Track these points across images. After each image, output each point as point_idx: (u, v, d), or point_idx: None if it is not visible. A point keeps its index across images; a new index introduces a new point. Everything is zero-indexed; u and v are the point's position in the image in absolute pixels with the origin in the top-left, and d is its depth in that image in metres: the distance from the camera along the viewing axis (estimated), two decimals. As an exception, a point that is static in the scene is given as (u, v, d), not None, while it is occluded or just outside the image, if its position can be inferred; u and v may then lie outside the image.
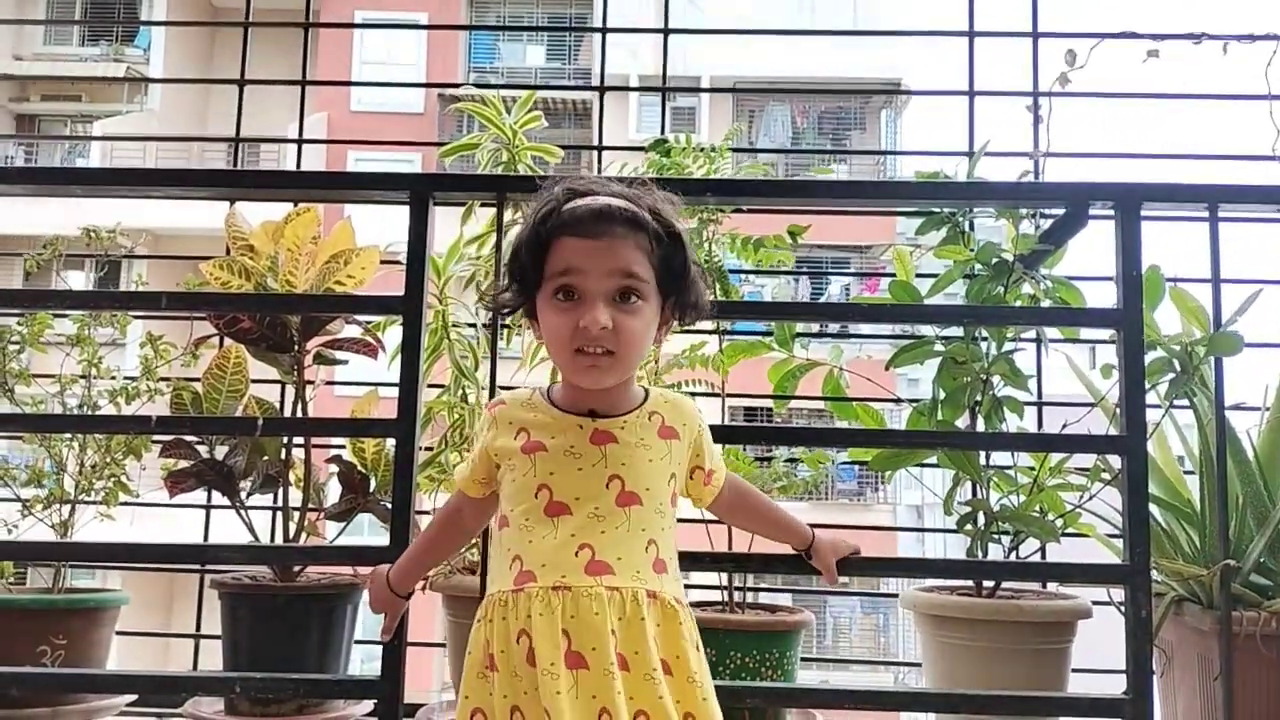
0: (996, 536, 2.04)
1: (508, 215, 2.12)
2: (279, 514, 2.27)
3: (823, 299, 15.24)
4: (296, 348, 2.20)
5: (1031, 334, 2.31)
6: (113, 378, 2.37)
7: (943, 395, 2.09)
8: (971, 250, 2.10)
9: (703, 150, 2.30)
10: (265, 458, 2.23)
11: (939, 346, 2.08)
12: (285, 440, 2.24)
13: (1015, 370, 2.04)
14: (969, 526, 2.04)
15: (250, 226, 2.23)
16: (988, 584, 2.06)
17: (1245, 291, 2.11)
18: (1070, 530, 2.07)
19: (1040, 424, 2.59)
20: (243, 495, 2.23)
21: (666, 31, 3.01)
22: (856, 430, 2.17)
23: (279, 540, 2.25)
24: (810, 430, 2.19)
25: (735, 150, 2.41)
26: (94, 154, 17.67)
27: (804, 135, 19.37)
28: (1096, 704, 1.81)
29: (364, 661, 2.80)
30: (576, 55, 20.06)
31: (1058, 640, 1.93)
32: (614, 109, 17.37)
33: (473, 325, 2.35)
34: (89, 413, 2.33)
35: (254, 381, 2.28)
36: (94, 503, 2.31)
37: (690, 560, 1.79)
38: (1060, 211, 2.04)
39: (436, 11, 17.14)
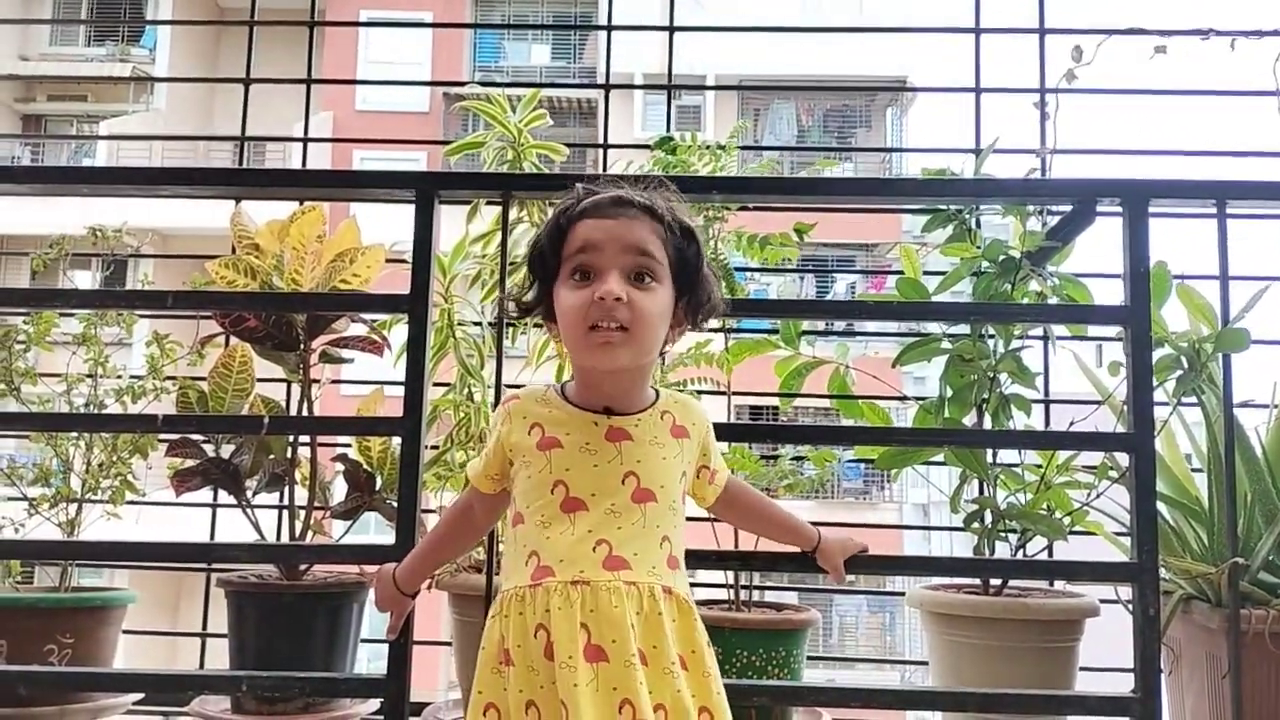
0: (1003, 534, 2.04)
1: (513, 213, 2.12)
2: (285, 513, 2.27)
3: (828, 297, 15.23)
4: (302, 346, 2.20)
5: (1038, 331, 2.31)
6: (119, 377, 2.37)
7: (949, 393, 2.08)
8: (978, 247, 2.09)
9: (708, 148, 2.30)
10: (271, 456, 2.24)
11: (946, 344, 2.08)
12: (291, 439, 2.24)
13: (1022, 368, 2.03)
14: (976, 524, 2.03)
15: (256, 225, 2.24)
16: (995, 582, 2.06)
17: (1253, 288, 2.10)
18: (1077, 528, 2.06)
19: (1047, 422, 2.58)
20: (249, 494, 2.23)
21: (671, 29, 3.01)
22: (862, 428, 2.17)
23: (285, 539, 2.25)
24: (816, 428, 2.19)
25: (741, 148, 2.41)
26: (100, 153, 17.71)
27: (809, 133, 19.36)
28: (1104, 702, 1.81)
29: (370, 660, 2.80)
30: (581, 54, 20.07)
31: (1065, 638, 1.93)
32: (619, 107, 17.36)
33: (478, 323, 2.35)
34: (95, 412, 2.33)
35: (260, 380, 2.29)
36: (100, 501, 2.32)
37: (696, 559, 1.79)
38: (1067, 208, 2.04)
39: (441, 10, 17.17)
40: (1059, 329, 2.30)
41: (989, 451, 2.08)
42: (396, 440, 2.06)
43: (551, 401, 1.45)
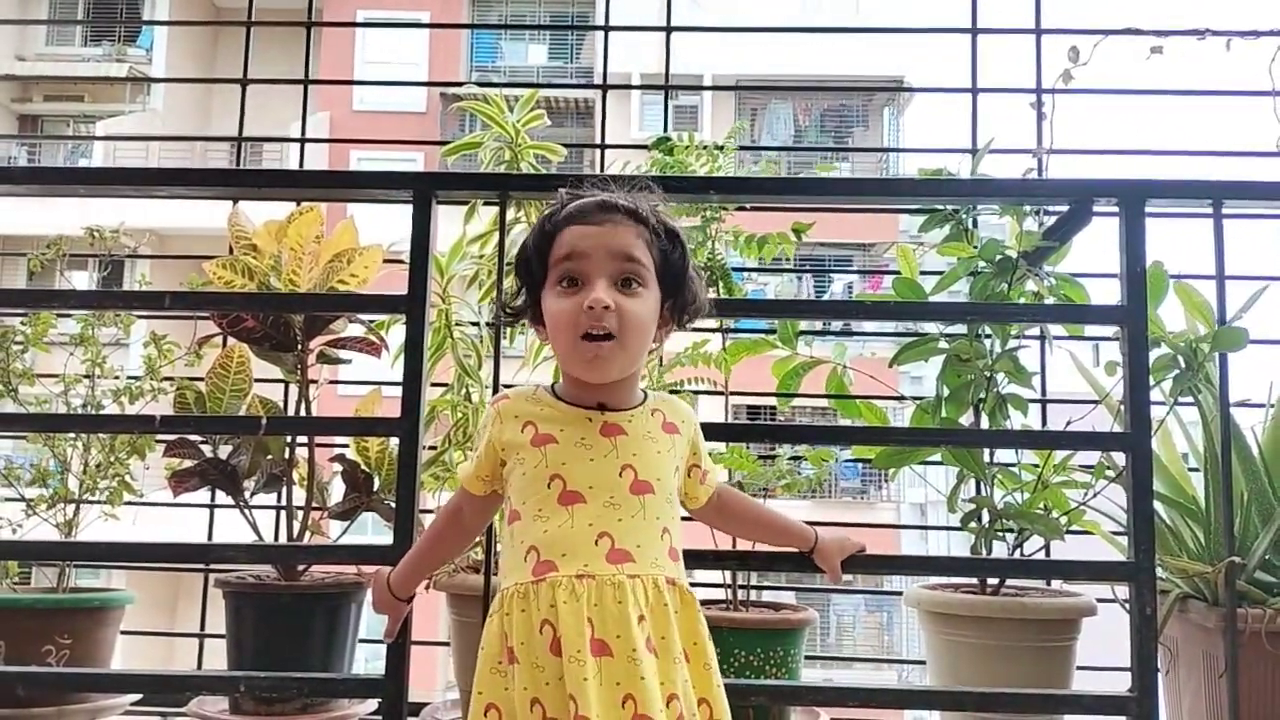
0: (1001, 534, 2.04)
1: (510, 214, 2.12)
2: (283, 513, 2.27)
3: (826, 297, 15.22)
4: (300, 347, 2.20)
5: (1035, 331, 2.31)
6: (116, 377, 2.37)
7: (946, 392, 2.08)
8: (975, 247, 2.09)
9: (705, 148, 2.30)
10: (269, 457, 2.24)
11: (943, 344, 2.08)
12: (289, 439, 2.24)
13: (1019, 367, 2.04)
14: (973, 524, 2.04)
15: (253, 226, 2.24)
16: (992, 581, 2.06)
17: (1250, 288, 2.11)
18: (1074, 527, 2.07)
19: (1044, 421, 2.59)
20: (246, 494, 2.23)
21: (669, 29, 3.01)
22: (860, 428, 2.17)
23: (283, 539, 2.25)
24: (814, 428, 2.20)
25: (739, 148, 2.41)
26: (97, 154, 17.70)
27: (806, 133, 19.36)
28: (1101, 701, 1.81)
29: (368, 661, 2.80)
30: (578, 54, 20.06)
31: (1062, 638, 1.93)
32: (616, 108, 17.38)
33: (476, 324, 2.35)
34: (93, 412, 2.33)
35: (257, 381, 2.29)
36: (98, 502, 2.32)
37: (693, 558, 1.79)
38: (1064, 208, 2.04)
39: (439, 11, 17.14)
40: (1056, 329, 2.31)
41: (986, 451, 2.08)
42: (394, 440, 2.06)
43: (543, 400, 1.45)
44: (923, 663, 2.14)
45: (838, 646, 17.50)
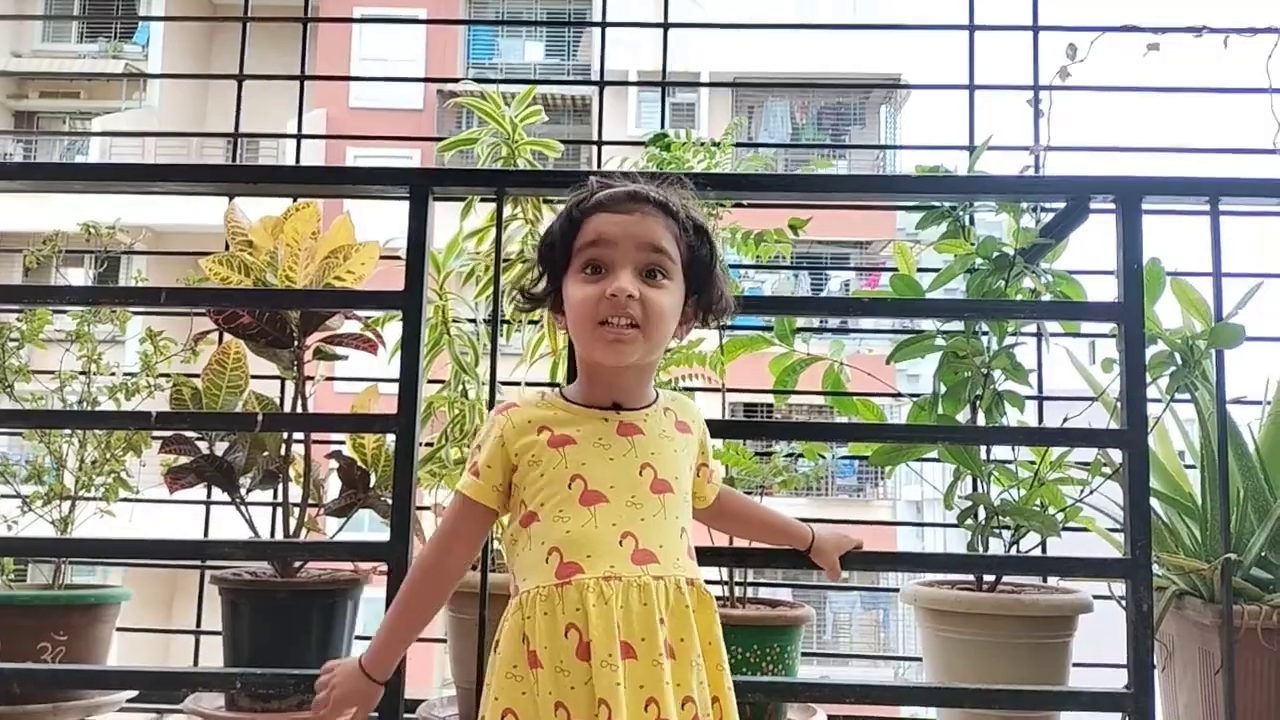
0: (997, 531, 2.04)
1: (507, 210, 2.12)
2: (279, 510, 2.27)
3: (823, 295, 15.23)
4: (296, 343, 2.20)
5: (1032, 328, 2.31)
6: (112, 374, 2.36)
7: (943, 390, 2.08)
8: (972, 244, 2.09)
9: (703, 145, 2.30)
10: (265, 453, 2.23)
11: (940, 341, 2.08)
12: (285, 436, 2.24)
13: (1016, 364, 2.04)
14: (969, 521, 2.04)
15: (250, 222, 2.23)
16: (988, 578, 2.06)
17: (1247, 285, 2.11)
18: (1071, 524, 2.07)
19: (1041, 418, 2.59)
20: (243, 491, 2.23)
21: (666, 26, 3.01)
22: (857, 425, 2.18)
23: (279, 536, 2.25)
24: (811, 425, 2.20)
25: (736, 145, 2.41)
26: (93, 150, 17.67)
27: (803, 130, 19.37)
28: (1098, 698, 1.81)
29: (365, 657, 2.80)
30: (575, 51, 20.07)
31: (1059, 634, 1.93)
32: (613, 105, 17.38)
33: (473, 321, 2.35)
34: (89, 409, 2.33)
35: (254, 377, 2.28)
36: (94, 499, 2.31)
37: (691, 555, 1.79)
38: (1061, 205, 2.04)
39: (435, 7, 17.14)
40: (1053, 326, 2.31)
41: (983, 448, 2.08)
42: (391, 437, 2.06)
43: (554, 404, 1.43)
44: (919, 659, 2.14)
45: (834, 644, 17.52)
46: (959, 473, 2.09)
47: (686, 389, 2.32)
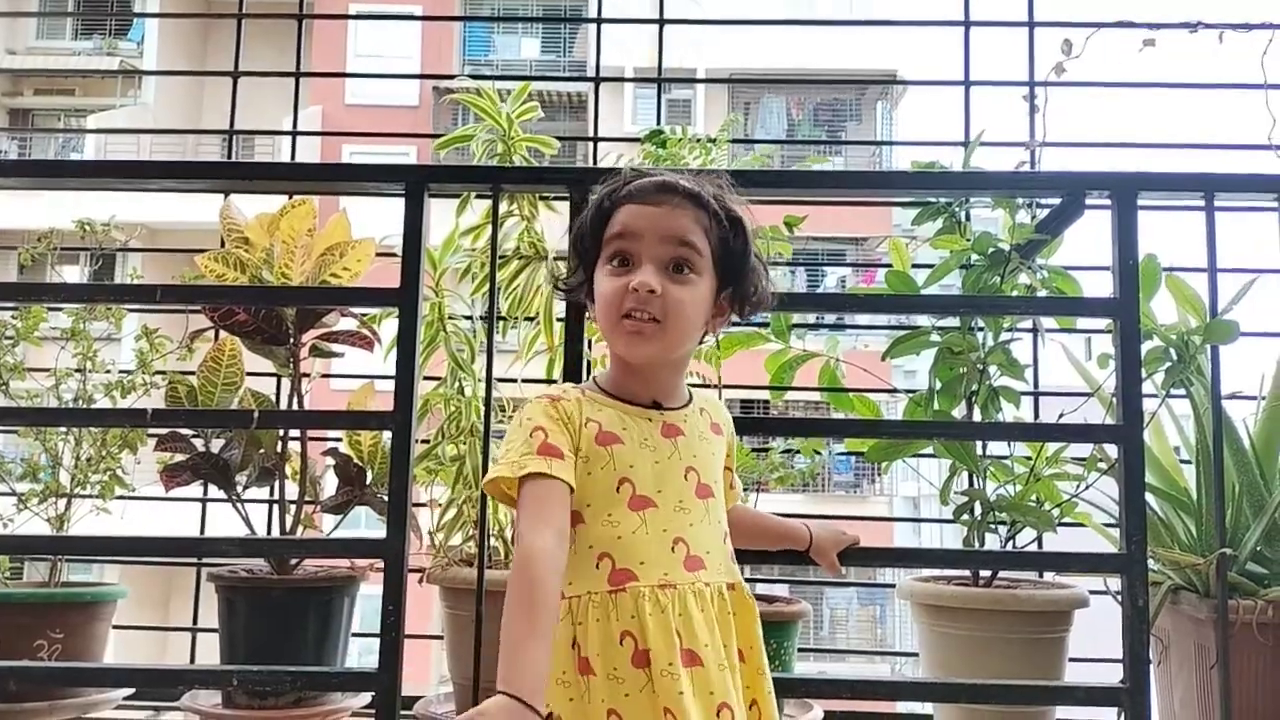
0: (993, 526, 2.05)
1: (503, 206, 2.11)
2: (275, 507, 2.27)
3: (818, 291, 15.23)
4: (292, 340, 2.19)
5: (1028, 324, 2.31)
6: (108, 371, 2.36)
7: (939, 385, 2.09)
8: (968, 240, 2.09)
9: (698, 141, 2.30)
10: (261, 451, 2.23)
11: (935, 337, 2.08)
12: (281, 433, 2.24)
13: (1011, 360, 2.04)
14: (966, 517, 2.04)
15: (245, 219, 2.23)
16: (984, 573, 2.06)
17: (1242, 280, 2.11)
18: (1067, 520, 2.07)
19: (1036, 414, 2.59)
20: (239, 488, 2.23)
21: (661, 22, 3.00)
22: (852, 421, 2.18)
23: (275, 533, 2.25)
24: (807, 421, 2.20)
25: (732, 141, 2.41)
26: (88, 148, 17.64)
27: (800, 127, 19.38)
28: (1094, 693, 1.82)
29: (362, 655, 2.80)
30: (571, 48, 20.05)
31: (1055, 629, 1.94)
32: (610, 101, 17.35)
33: (469, 317, 2.35)
34: (84, 406, 2.32)
35: (250, 374, 2.28)
36: (90, 496, 2.31)
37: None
38: (1056, 201, 2.04)
39: (431, 4, 17.11)
40: (1048, 321, 2.31)
41: (979, 444, 2.09)
42: (387, 434, 2.06)
43: (597, 399, 1.39)
44: (916, 655, 2.15)
45: (831, 639, 17.55)
46: (955, 468, 2.10)
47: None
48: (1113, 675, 1.82)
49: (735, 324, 1.68)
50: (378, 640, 1.79)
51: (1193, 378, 2.03)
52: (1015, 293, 2.08)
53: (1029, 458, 2.06)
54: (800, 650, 2.06)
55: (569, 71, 19.29)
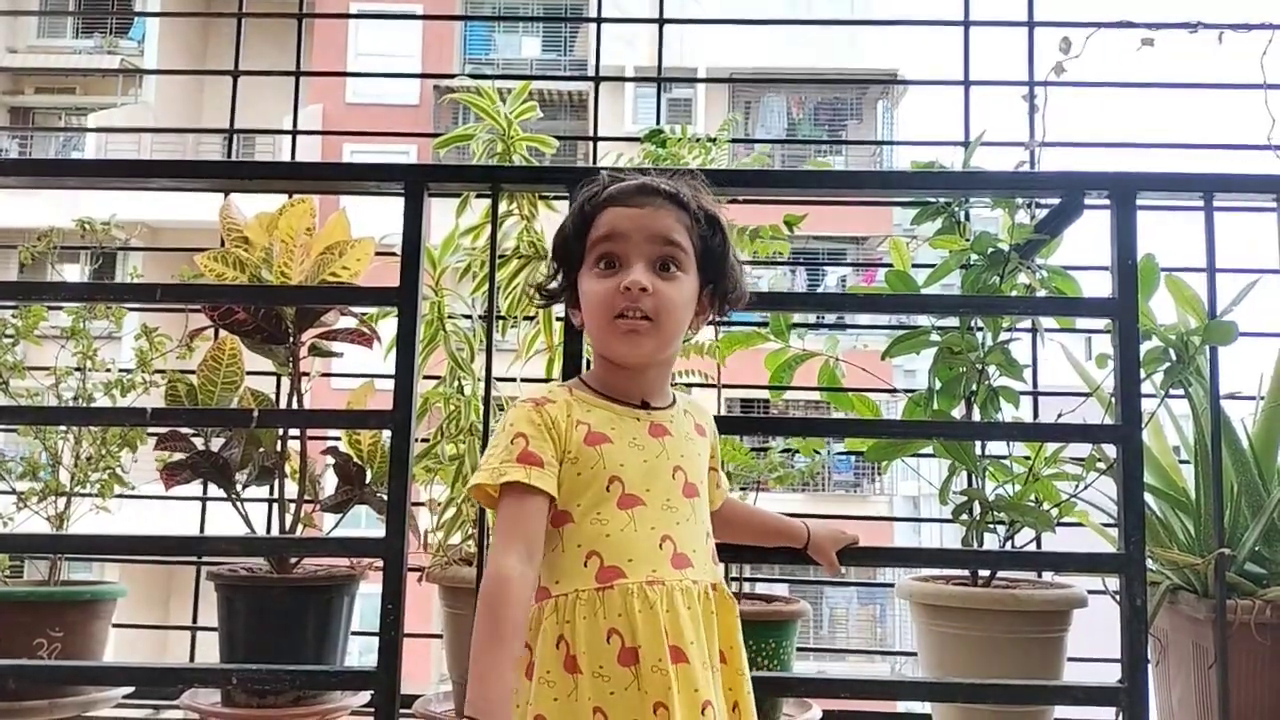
0: (992, 526, 2.05)
1: (503, 206, 2.11)
2: (275, 506, 2.27)
3: (818, 290, 15.24)
4: (291, 339, 2.20)
5: (1027, 324, 2.31)
6: (108, 370, 2.36)
7: (938, 385, 2.09)
8: (967, 240, 2.09)
9: (698, 141, 2.30)
10: (261, 449, 2.23)
11: (935, 337, 2.08)
12: (281, 432, 2.24)
13: (1010, 360, 2.04)
14: (964, 516, 2.04)
15: (245, 218, 2.23)
16: (983, 573, 2.06)
17: (1242, 281, 2.11)
18: (1065, 520, 2.07)
19: (1035, 414, 2.59)
20: (238, 487, 2.23)
21: (661, 21, 3.00)
22: (852, 420, 2.18)
23: (275, 532, 2.25)
24: (806, 420, 2.20)
25: (732, 141, 2.41)
26: (89, 146, 17.65)
27: (800, 126, 19.37)
28: (1092, 693, 1.82)
29: (361, 654, 2.80)
30: (572, 47, 20.04)
31: (1053, 629, 1.94)
32: (610, 101, 17.35)
33: (468, 316, 2.35)
34: (84, 405, 2.33)
35: (249, 373, 2.28)
36: (90, 495, 2.31)
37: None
38: (1056, 201, 2.04)
39: (432, 3, 17.10)
40: (1047, 321, 2.31)
41: (978, 444, 2.09)
42: (386, 433, 2.06)
43: (585, 399, 1.40)
44: (915, 654, 2.15)
45: (831, 639, 17.55)
46: (954, 468, 2.10)
47: (685, 385, 2.33)
48: (1111, 675, 1.82)
49: (714, 322, 1.69)
50: (377, 640, 1.80)
51: (1191, 378, 2.03)
52: (1014, 292, 2.08)
53: (1028, 458, 2.06)
54: (800, 649, 2.06)
55: (570, 71, 19.28)
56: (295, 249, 2.17)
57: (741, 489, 2.18)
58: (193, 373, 2.24)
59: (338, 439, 2.30)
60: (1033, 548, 2.27)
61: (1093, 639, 2.16)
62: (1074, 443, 2.06)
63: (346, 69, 16.88)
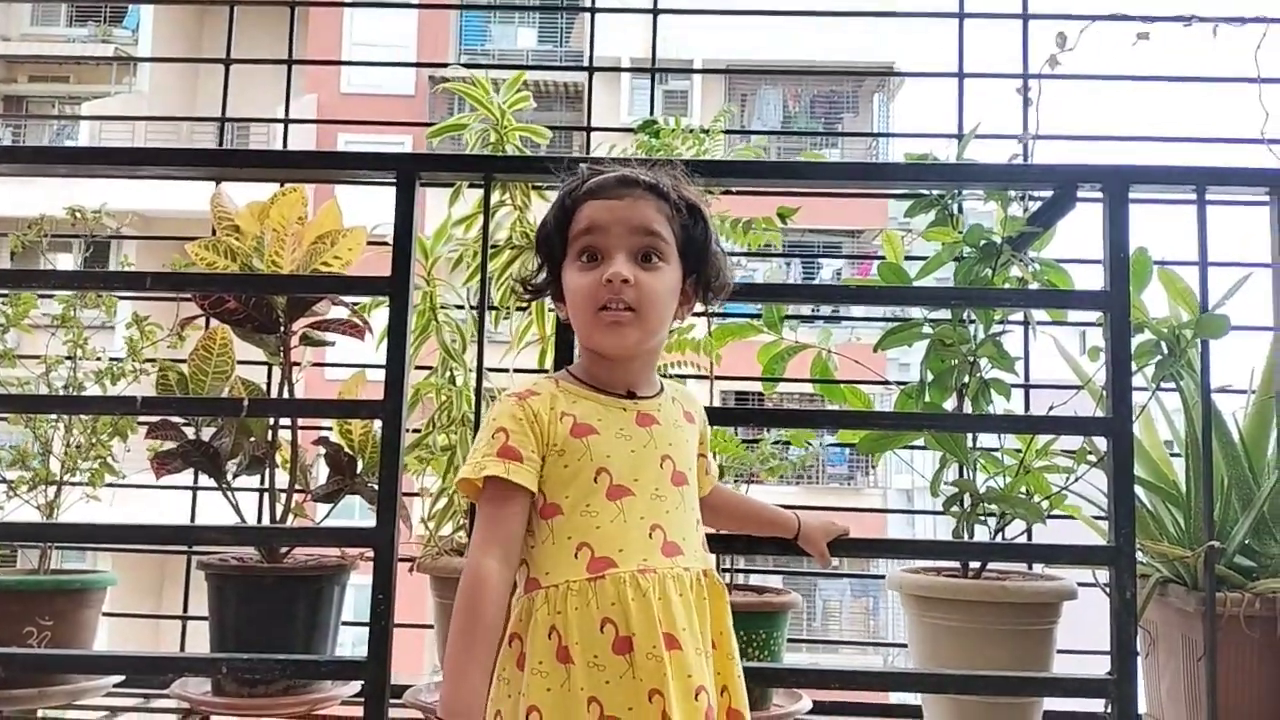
0: (983, 518, 2.05)
1: (495, 196, 2.11)
2: (265, 495, 2.27)
3: (814, 283, 15.22)
4: (283, 329, 2.19)
5: (1019, 316, 2.31)
6: (98, 359, 2.36)
7: (930, 377, 2.09)
8: (960, 233, 2.09)
9: (692, 132, 2.30)
10: (252, 439, 2.23)
11: (927, 329, 2.08)
12: (272, 421, 2.23)
13: (1002, 353, 2.04)
14: (955, 508, 2.04)
15: (236, 207, 2.22)
16: (974, 565, 2.07)
17: (1234, 274, 2.11)
18: (1056, 512, 2.08)
19: (1027, 406, 2.59)
20: (229, 477, 2.22)
21: (655, 11, 2.99)
22: (844, 412, 2.18)
23: (265, 522, 2.25)
24: (798, 412, 2.20)
25: (727, 132, 2.40)
26: (82, 135, 17.57)
27: (796, 119, 19.34)
28: (1081, 684, 1.82)
29: (354, 645, 2.80)
30: (568, 37, 19.98)
31: (1043, 621, 1.94)
32: (606, 92, 17.30)
33: (460, 307, 2.35)
34: (74, 394, 2.32)
35: (240, 363, 2.28)
36: (80, 484, 2.31)
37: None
38: (1048, 194, 2.04)
39: (427, -8, 17.01)
40: (1039, 314, 2.31)
41: (969, 436, 2.09)
42: (378, 423, 2.05)
43: (570, 390, 1.40)
44: (907, 646, 2.15)
45: (824, 631, 17.59)
46: (945, 460, 2.10)
47: (678, 377, 2.32)
48: (1100, 667, 1.82)
49: (707, 314, 1.70)
50: (367, 630, 1.80)
51: (1183, 371, 2.03)
52: (1007, 285, 2.08)
53: (1019, 450, 2.07)
54: (793, 641, 2.07)
55: (566, 61, 19.23)
56: (287, 238, 2.16)
57: (734, 480, 2.18)
58: (184, 362, 2.23)
59: (329, 429, 2.29)
60: (1023, 540, 2.27)
61: (1083, 631, 2.16)
62: (1065, 435, 2.06)
63: (342, 58, 16.82)
